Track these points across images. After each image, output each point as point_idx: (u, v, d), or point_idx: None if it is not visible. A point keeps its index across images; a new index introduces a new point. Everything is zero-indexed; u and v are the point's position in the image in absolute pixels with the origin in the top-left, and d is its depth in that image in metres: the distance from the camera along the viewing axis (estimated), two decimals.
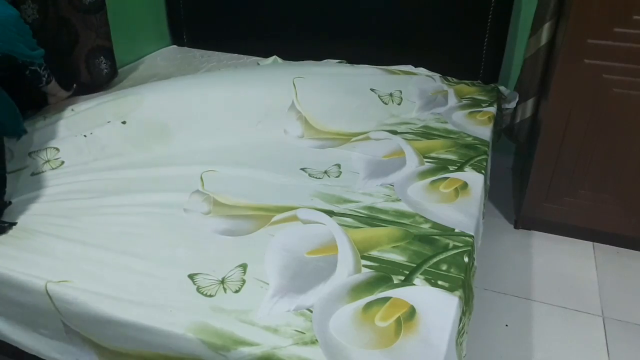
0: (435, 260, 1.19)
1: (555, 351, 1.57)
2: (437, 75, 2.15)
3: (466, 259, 1.20)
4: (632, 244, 1.95)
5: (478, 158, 1.62)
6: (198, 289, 1.11)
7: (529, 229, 2.06)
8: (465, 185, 1.48)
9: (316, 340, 1.00)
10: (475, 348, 1.54)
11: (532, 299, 1.75)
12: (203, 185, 1.45)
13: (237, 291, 1.11)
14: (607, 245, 1.98)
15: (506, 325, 1.65)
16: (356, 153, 1.65)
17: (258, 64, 2.26)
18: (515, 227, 2.08)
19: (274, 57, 2.29)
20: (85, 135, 1.59)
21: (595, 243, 1.99)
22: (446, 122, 1.85)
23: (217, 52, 2.53)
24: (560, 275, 1.85)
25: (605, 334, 1.62)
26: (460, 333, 1.09)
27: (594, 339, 1.61)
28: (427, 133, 1.78)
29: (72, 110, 1.66)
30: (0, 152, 1.34)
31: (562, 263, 1.90)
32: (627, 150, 1.73)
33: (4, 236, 1.26)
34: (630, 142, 1.72)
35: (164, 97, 1.73)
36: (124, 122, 1.63)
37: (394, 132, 1.79)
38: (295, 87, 1.86)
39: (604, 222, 1.89)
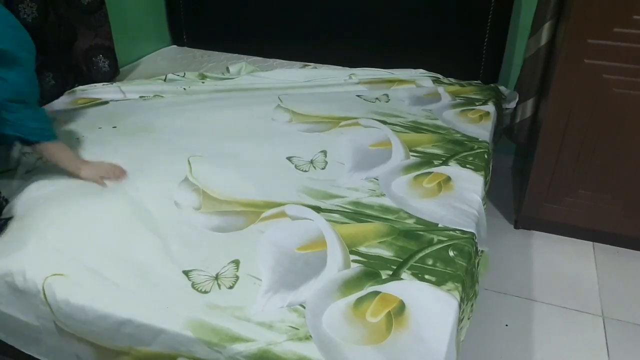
0: (420, 255, 1.21)
1: (555, 351, 1.57)
2: (431, 79, 2.15)
3: (451, 253, 1.21)
4: (632, 244, 1.95)
5: (464, 154, 1.63)
6: (193, 285, 1.12)
7: (529, 229, 2.06)
8: (448, 179, 1.49)
9: (310, 335, 1.00)
10: (475, 348, 1.54)
11: (532, 299, 1.75)
12: (191, 170, 1.46)
13: (231, 287, 1.11)
14: (607, 245, 1.97)
15: (506, 325, 1.65)
16: (343, 140, 1.67)
17: (227, 68, 2.27)
18: (515, 227, 2.08)
19: (243, 63, 2.30)
20: (77, 138, 1.63)
21: (595, 243, 1.99)
22: (436, 119, 1.86)
23: (217, 52, 2.53)
24: (560, 275, 1.84)
25: (605, 334, 1.62)
26: (460, 320, 1.10)
27: (594, 339, 1.60)
28: (415, 127, 1.80)
29: (65, 121, 1.72)
30: None
31: (562, 263, 1.90)
32: (627, 150, 1.73)
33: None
34: (630, 142, 1.72)
35: (157, 115, 1.81)
36: (114, 127, 1.69)
37: (384, 122, 1.80)
38: (280, 99, 1.92)
39: (604, 222, 1.89)
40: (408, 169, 1.56)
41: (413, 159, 1.61)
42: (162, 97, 1.98)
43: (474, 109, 1.94)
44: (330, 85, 2.14)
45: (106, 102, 1.89)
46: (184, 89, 2.04)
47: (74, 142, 1.61)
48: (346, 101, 1.99)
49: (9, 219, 1.30)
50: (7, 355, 1.29)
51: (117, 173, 1.42)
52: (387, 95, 2.05)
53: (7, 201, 1.35)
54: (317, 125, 1.77)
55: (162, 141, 1.60)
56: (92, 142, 1.60)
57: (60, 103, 1.88)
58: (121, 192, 1.39)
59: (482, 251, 1.36)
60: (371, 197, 1.42)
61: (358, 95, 2.04)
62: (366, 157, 1.60)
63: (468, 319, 1.23)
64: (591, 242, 1.99)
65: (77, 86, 1.96)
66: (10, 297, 1.16)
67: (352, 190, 1.45)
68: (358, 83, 2.14)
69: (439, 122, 1.83)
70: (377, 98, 2.02)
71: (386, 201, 1.41)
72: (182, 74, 2.15)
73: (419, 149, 1.66)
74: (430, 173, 1.53)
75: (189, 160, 1.49)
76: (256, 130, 1.73)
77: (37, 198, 1.38)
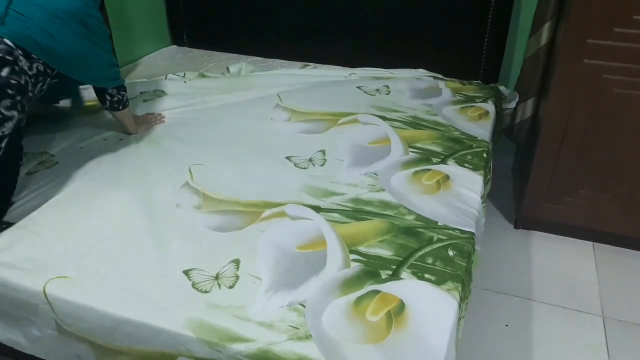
0: (420, 253, 1.21)
1: (555, 351, 1.56)
2: (432, 77, 2.15)
3: (451, 253, 1.22)
4: (632, 244, 1.95)
5: (462, 152, 1.64)
6: (193, 285, 1.12)
7: (529, 229, 2.06)
8: (447, 178, 1.50)
9: (310, 335, 1.00)
10: (475, 348, 1.54)
11: (532, 299, 1.74)
12: (192, 177, 1.47)
13: (231, 287, 1.11)
14: (607, 245, 1.97)
15: (506, 325, 1.65)
16: (342, 139, 1.68)
17: (227, 68, 2.27)
18: (515, 227, 2.08)
19: (243, 63, 2.30)
20: (82, 147, 1.64)
21: (595, 243, 1.99)
22: (436, 115, 1.87)
23: (217, 52, 2.53)
24: (560, 275, 1.84)
25: (605, 334, 1.62)
26: (459, 320, 1.10)
27: (594, 339, 1.60)
28: (415, 123, 1.80)
29: (67, 126, 1.73)
30: (18, 159, 1.32)
31: (562, 263, 1.90)
32: (627, 150, 1.73)
33: (1, 236, 1.26)
34: (630, 142, 1.72)
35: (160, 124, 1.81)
36: (120, 140, 1.69)
37: (383, 118, 1.81)
38: (279, 97, 1.93)
39: (604, 222, 1.89)
40: (407, 164, 1.56)
41: (412, 155, 1.61)
42: (163, 92, 1.98)
43: (474, 105, 1.95)
44: (330, 77, 2.15)
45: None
46: (184, 82, 2.05)
47: (76, 149, 1.62)
48: (346, 94, 1.99)
49: (9, 224, 1.30)
50: (7, 355, 1.29)
51: (159, 120, 1.80)
52: (387, 87, 2.05)
53: (12, 202, 1.36)
54: (316, 125, 1.77)
55: (165, 151, 1.62)
56: (99, 152, 1.61)
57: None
58: (123, 196, 1.39)
59: (475, 250, 1.36)
60: (371, 193, 1.43)
61: (358, 87, 2.04)
62: (365, 154, 1.61)
63: (463, 317, 1.23)
64: (591, 242, 1.99)
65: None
66: (10, 296, 1.16)
67: (352, 186, 1.46)
68: (359, 79, 2.14)
69: (438, 119, 1.84)
70: (377, 90, 2.03)
71: (386, 196, 1.41)
72: (182, 74, 2.15)
73: (418, 145, 1.67)
74: (428, 170, 1.53)
75: (190, 169, 1.50)
76: (255, 132, 1.73)
77: (40, 200, 1.39)
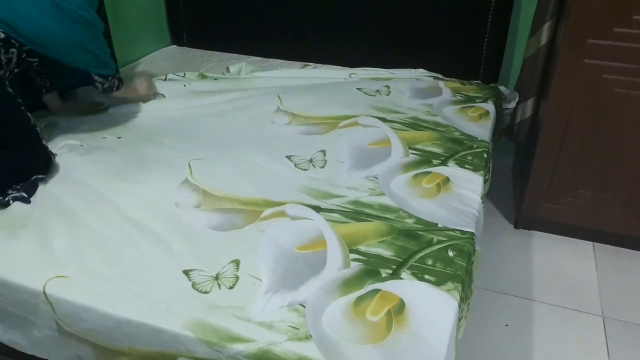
0: (420, 255, 1.21)
1: (555, 351, 1.57)
2: (431, 79, 2.15)
3: (451, 253, 1.22)
4: (632, 244, 1.95)
5: (462, 153, 1.64)
6: (193, 285, 1.12)
7: (529, 229, 2.06)
8: (447, 180, 1.50)
9: (310, 335, 1.01)
10: (476, 348, 1.54)
11: (532, 299, 1.75)
12: (191, 172, 1.47)
13: (231, 287, 1.11)
14: (607, 245, 1.97)
15: (506, 325, 1.65)
16: (342, 140, 1.68)
17: (227, 68, 2.27)
18: (515, 227, 2.08)
19: (243, 63, 2.30)
20: (81, 145, 1.64)
21: (595, 243, 1.99)
22: (436, 115, 1.86)
23: (217, 52, 2.53)
24: (560, 275, 1.84)
25: (605, 334, 1.62)
26: (459, 320, 1.11)
27: (594, 339, 1.60)
28: (415, 124, 1.80)
29: (68, 127, 1.74)
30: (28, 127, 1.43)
31: (562, 263, 1.90)
32: (627, 150, 1.73)
33: (1, 235, 1.26)
34: (630, 142, 1.72)
35: (159, 123, 1.81)
36: (119, 137, 1.70)
37: (383, 120, 1.81)
38: (280, 99, 1.92)
39: (604, 222, 1.89)
40: (407, 167, 1.56)
41: (412, 157, 1.61)
42: (162, 94, 1.98)
43: (474, 106, 1.95)
44: (330, 79, 2.15)
45: (106, 109, 1.88)
46: (184, 85, 2.05)
47: (80, 149, 1.62)
48: (346, 96, 1.99)
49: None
50: (8, 356, 1.29)
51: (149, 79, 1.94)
52: (387, 87, 2.05)
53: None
54: (316, 127, 1.77)
55: (165, 148, 1.62)
56: (99, 150, 1.61)
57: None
58: (123, 196, 1.39)
59: (476, 250, 1.36)
60: (371, 197, 1.42)
61: (358, 89, 2.04)
62: (365, 156, 1.61)
63: (465, 317, 1.23)
64: (591, 242, 1.99)
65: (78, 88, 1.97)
66: (10, 296, 1.16)
67: (352, 189, 1.46)
68: (359, 81, 2.15)
69: (438, 119, 1.84)
70: (377, 90, 2.03)
71: (386, 200, 1.41)
72: (182, 74, 2.15)
73: (418, 146, 1.67)
74: (429, 173, 1.53)
75: (189, 164, 1.50)
76: (256, 133, 1.74)
77: (40, 198, 1.39)
